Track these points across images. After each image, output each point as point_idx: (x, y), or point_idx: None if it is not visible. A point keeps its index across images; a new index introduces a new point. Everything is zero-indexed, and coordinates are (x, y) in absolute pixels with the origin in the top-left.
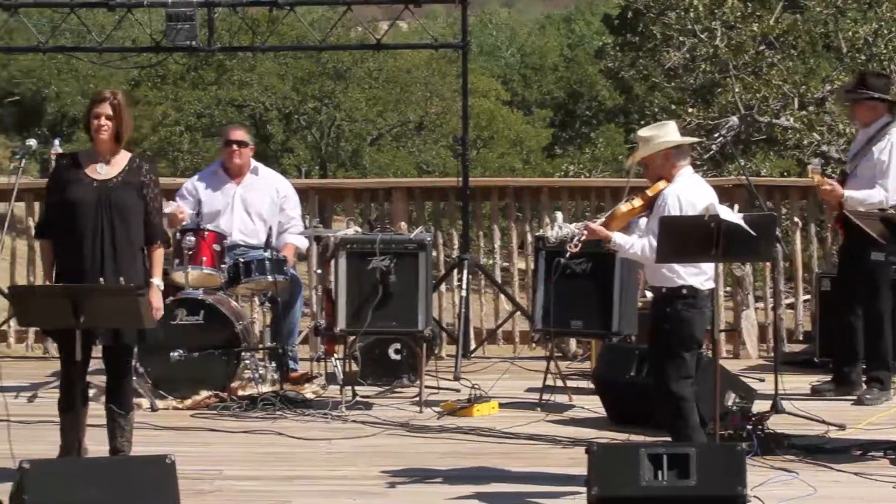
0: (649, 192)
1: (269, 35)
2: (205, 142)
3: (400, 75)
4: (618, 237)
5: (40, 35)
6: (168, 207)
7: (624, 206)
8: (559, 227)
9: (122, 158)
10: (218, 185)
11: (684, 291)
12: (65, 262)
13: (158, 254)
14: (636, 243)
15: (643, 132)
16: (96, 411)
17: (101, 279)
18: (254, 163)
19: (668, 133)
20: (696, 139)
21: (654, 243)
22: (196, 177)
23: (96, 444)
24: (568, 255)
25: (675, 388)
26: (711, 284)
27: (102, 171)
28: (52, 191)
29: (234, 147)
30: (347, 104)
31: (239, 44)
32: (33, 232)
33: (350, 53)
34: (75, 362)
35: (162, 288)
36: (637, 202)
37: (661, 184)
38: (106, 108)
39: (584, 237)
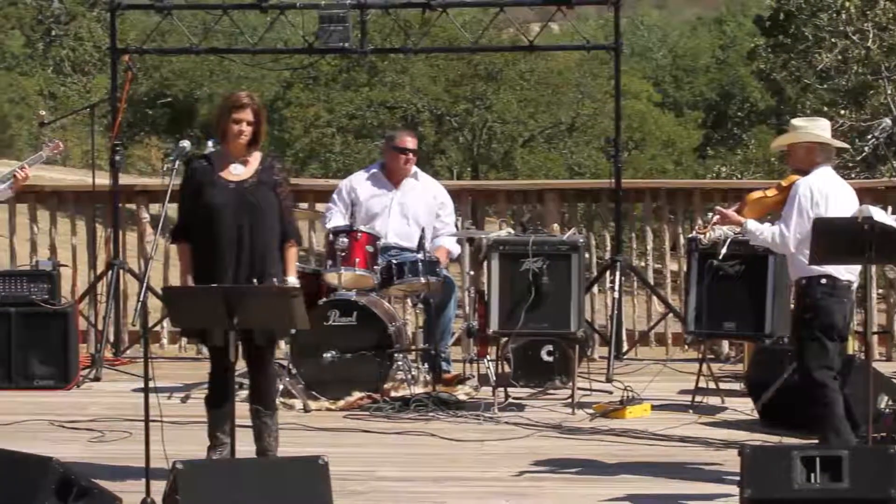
0: (784, 183)
1: (421, 37)
2: (356, 143)
3: (551, 77)
4: (750, 223)
5: (193, 37)
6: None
7: (756, 193)
8: (711, 229)
9: (255, 158)
10: (378, 187)
11: (823, 281)
12: (204, 265)
13: (292, 252)
14: (766, 230)
15: (797, 120)
16: (240, 411)
17: (239, 281)
18: (413, 167)
19: (818, 128)
20: (843, 143)
21: (785, 231)
22: (355, 176)
23: (242, 444)
24: (698, 237)
25: (818, 376)
26: (851, 277)
27: (237, 172)
28: (186, 195)
29: (410, 155)
30: (499, 106)
31: (391, 45)
32: (169, 237)
33: (502, 55)
34: (227, 361)
35: (297, 286)
36: (770, 191)
37: (796, 176)
38: (248, 115)
39: (716, 222)
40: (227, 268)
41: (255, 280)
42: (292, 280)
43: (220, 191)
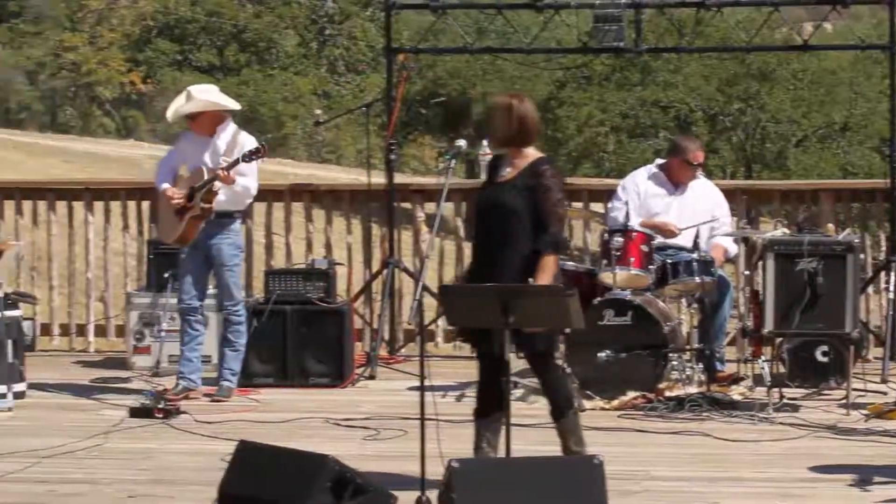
0: None
1: (695, 36)
2: (630, 142)
3: (825, 76)
4: None
5: (466, 36)
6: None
7: None
8: None
9: (526, 160)
10: (660, 188)
11: None
12: (473, 263)
13: (546, 261)
14: None
15: None
16: (522, 411)
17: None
18: None
19: None
20: None
21: None
22: (637, 173)
23: (524, 443)
24: None
25: None
26: None
27: (503, 174)
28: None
29: (699, 170)
30: (772, 105)
31: (664, 45)
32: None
33: (775, 54)
34: (497, 366)
35: None
36: None
37: None
38: (493, 117)
39: None
40: (480, 267)
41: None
42: None
43: (487, 191)
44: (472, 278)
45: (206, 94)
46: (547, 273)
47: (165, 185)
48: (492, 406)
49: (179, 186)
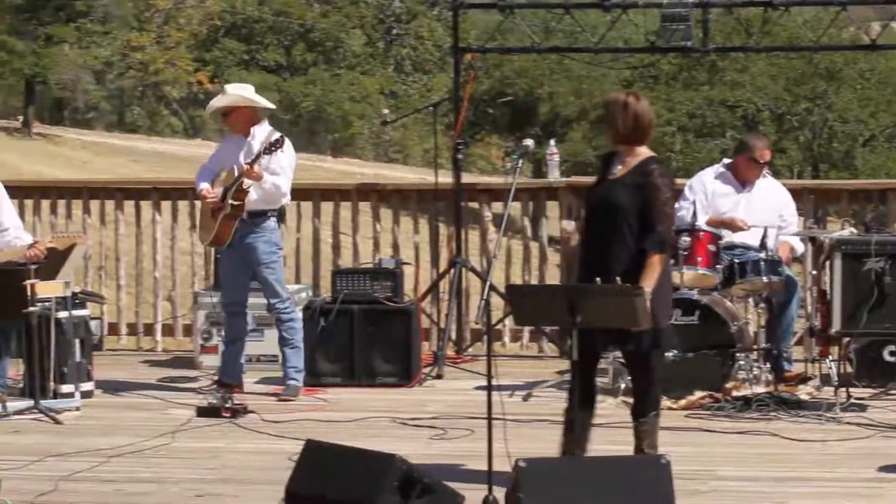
0: None
1: (763, 36)
2: (697, 142)
3: (892, 75)
4: None
5: (534, 35)
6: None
7: None
8: None
9: (637, 159)
10: (727, 187)
11: None
12: (579, 258)
13: (652, 260)
14: None
15: None
16: (602, 410)
17: (591, 278)
18: None
19: None
20: None
21: None
22: (704, 173)
23: (591, 443)
24: None
25: None
26: None
27: (616, 171)
28: None
29: (765, 168)
30: (839, 105)
31: (732, 44)
32: None
33: (842, 54)
34: (575, 363)
35: (649, 295)
36: None
37: None
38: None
39: None
40: (590, 264)
41: (598, 279)
42: (645, 288)
43: (599, 187)
44: (582, 274)
45: (240, 91)
46: (653, 272)
47: (202, 185)
48: (573, 406)
49: (216, 188)
